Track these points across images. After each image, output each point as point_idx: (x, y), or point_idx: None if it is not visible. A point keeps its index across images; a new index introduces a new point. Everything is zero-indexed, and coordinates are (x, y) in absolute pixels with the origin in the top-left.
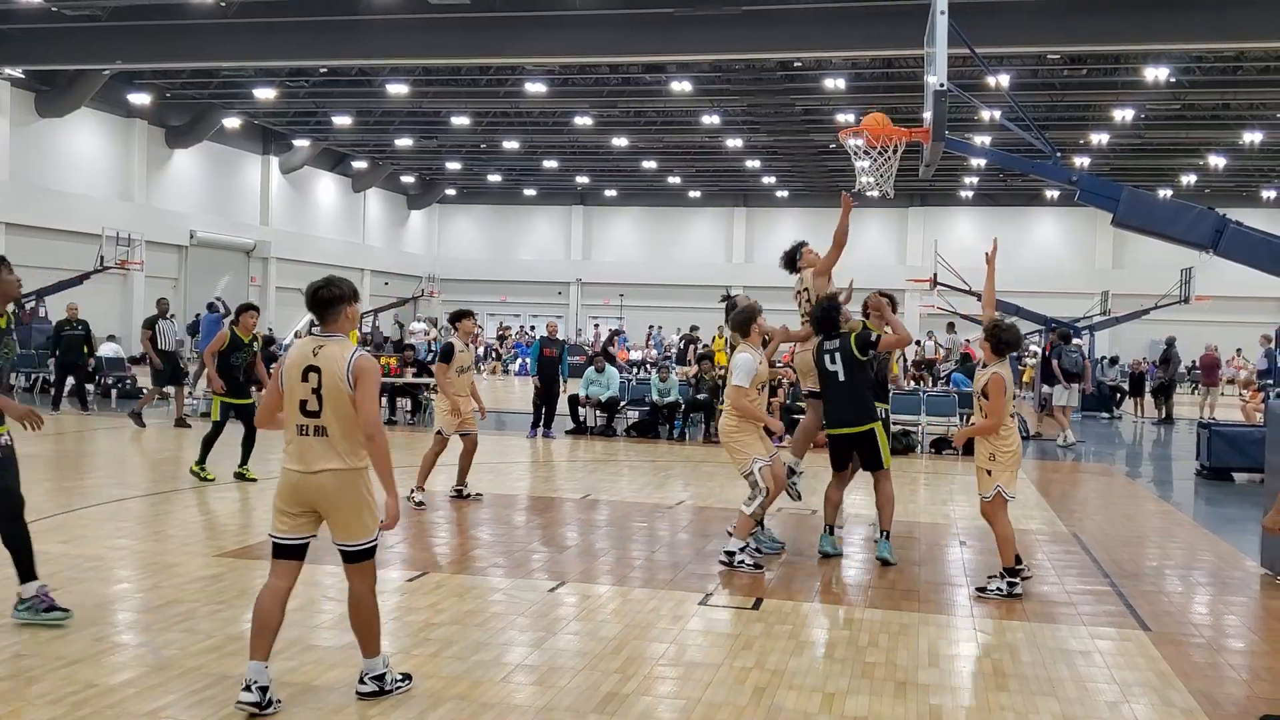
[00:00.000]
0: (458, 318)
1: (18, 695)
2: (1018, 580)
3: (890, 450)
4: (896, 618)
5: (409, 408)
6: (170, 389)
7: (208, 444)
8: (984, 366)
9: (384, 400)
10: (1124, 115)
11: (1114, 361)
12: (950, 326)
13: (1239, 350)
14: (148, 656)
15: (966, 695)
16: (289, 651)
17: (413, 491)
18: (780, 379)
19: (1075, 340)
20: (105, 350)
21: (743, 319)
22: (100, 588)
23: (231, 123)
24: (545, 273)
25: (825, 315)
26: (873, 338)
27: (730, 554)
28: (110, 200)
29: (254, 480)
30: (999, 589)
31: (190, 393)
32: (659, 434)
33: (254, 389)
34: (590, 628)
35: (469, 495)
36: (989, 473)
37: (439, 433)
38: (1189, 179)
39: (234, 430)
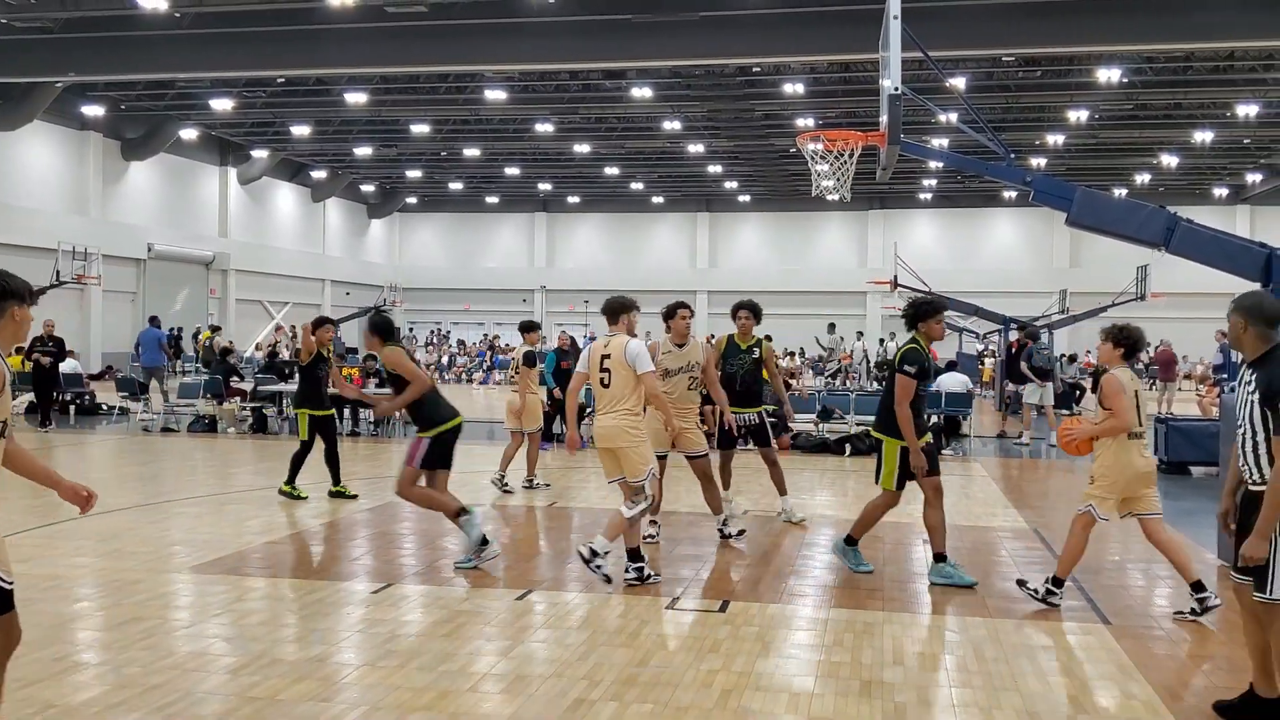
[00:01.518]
0: (528, 328)
1: None
2: (1059, 592)
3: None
4: (861, 616)
5: (372, 419)
6: None
7: (297, 463)
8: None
9: (346, 412)
10: (1078, 116)
11: (1073, 359)
12: (831, 326)
13: (1185, 358)
14: (109, 675)
15: (930, 692)
16: (253, 665)
17: (533, 480)
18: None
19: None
20: (64, 366)
21: (617, 305)
22: (60, 607)
23: (188, 134)
24: (509, 280)
25: (918, 311)
26: (910, 368)
27: (594, 553)
28: (65, 214)
29: (354, 497)
30: (1035, 590)
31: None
32: None
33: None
34: (558, 635)
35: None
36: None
37: (528, 432)
38: (1143, 178)
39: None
